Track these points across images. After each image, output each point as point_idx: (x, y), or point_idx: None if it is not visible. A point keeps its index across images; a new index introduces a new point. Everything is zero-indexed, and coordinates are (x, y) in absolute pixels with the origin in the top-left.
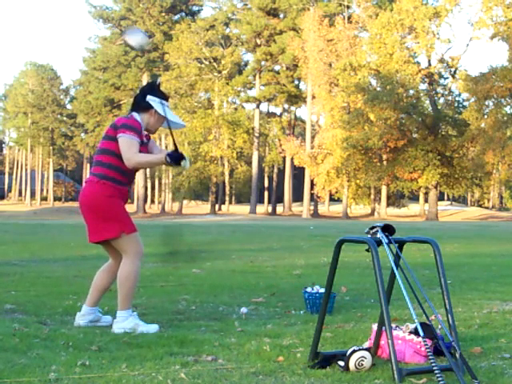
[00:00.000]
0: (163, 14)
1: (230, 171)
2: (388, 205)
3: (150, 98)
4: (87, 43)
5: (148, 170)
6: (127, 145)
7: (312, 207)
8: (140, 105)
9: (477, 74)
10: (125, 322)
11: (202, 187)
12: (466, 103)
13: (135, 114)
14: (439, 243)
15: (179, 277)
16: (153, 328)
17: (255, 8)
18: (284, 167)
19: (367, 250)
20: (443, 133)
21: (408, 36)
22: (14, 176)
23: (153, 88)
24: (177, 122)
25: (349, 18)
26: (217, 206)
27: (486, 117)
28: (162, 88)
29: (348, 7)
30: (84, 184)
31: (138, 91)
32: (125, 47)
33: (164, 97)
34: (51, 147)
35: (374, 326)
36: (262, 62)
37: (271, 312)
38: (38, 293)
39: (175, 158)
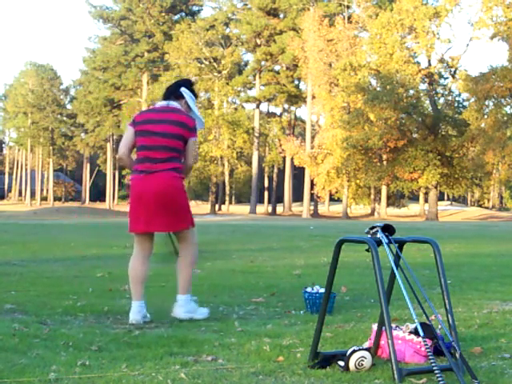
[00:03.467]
0: (163, 14)
1: (229, 171)
2: (388, 205)
3: (183, 90)
4: (87, 43)
5: None
6: (192, 148)
7: (312, 207)
8: (173, 93)
9: (477, 74)
10: (188, 305)
11: (201, 187)
12: (466, 103)
13: (178, 105)
14: (439, 243)
15: None
16: (205, 312)
17: (255, 8)
18: (284, 167)
19: (367, 250)
20: (443, 133)
21: (408, 36)
22: (13, 176)
23: (188, 83)
24: (200, 119)
25: (349, 18)
26: (217, 206)
27: (486, 117)
28: (163, 87)
29: (348, 7)
30: (155, 175)
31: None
32: (125, 47)
33: (195, 94)
34: (51, 147)
35: (374, 326)
36: (262, 62)
37: (271, 312)
38: (38, 293)
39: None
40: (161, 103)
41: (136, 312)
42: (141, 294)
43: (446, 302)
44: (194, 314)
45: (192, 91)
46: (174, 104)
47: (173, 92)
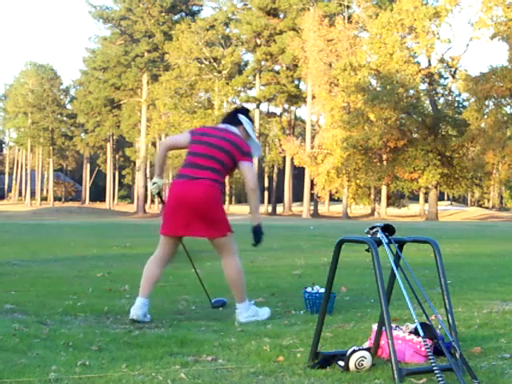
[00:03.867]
0: (163, 14)
1: None
2: (388, 205)
3: (241, 116)
4: (87, 43)
5: (148, 169)
6: (253, 173)
7: (312, 207)
8: (232, 120)
9: (477, 73)
10: (248, 311)
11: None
12: (466, 103)
13: (236, 131)
14: (439, 243)
15: (179, 277)
16: (266, 311)
17: (255, 8)
18: (284, 167)
19: (367, 250)
20: (443, 133)
21: (408, 36)
22: (13, 176)
23: (245, 110)
24: (257, 145)
25: (349, 18)
26: None
27: (486, 117)
28: (163, 87)
29: (348, 7)
30: (195, 182)
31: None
32: (125, 47)
33: (251, 120)
34: (51, 147)
35: (374, 326)
36: (262, 62)
37: (271, 312)
38: (38, 293)
39: (258, 232)
40: (221, 125)
41: (138, 307)
42: (148, 292)
43: (446, 302)
44: (257, 317)
45: (248, 118)
46: (233, 128)
47: (231, 119)
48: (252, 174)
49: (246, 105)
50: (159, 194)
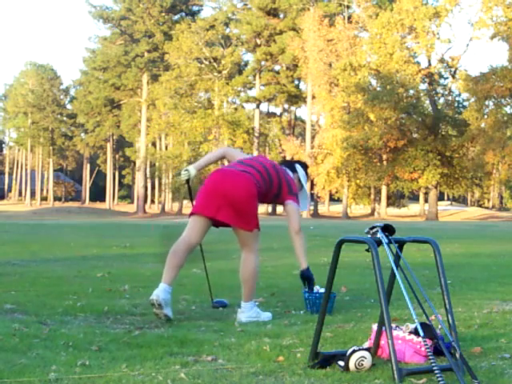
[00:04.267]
0: (163, 14)
1: None
2: (388, 205)
3: (298, 167)
4: (87, 43)
5: (148, 169)
6: (299, 216)
7: (312, 207)
8: (290, 165)
9: (477, 73)
10: (250, 311)
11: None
12: (466, 103)
13: (291, 174)
14: (439, 243)
15: (179, 277)
16: (268, 316)
17: (255, 8)
18: None
19: (367, 250)
20: (443, 133)
21: (408, 36)
22: (13, 176)
23: (305, 166)
24: (306, 198)
25: (349, 18)
26: None
27: (486, 117)
28: (163, 87)
29: (348, 7)
30: (236, 173)
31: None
32: (125, 47)
33: (307, 177)
34: (51, 147)
35: (374, 326)
36: (262, 62)
37: (271, 312)
38: (38, 293)
39: (308, 276)
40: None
41: (161, 290)
42: (171, 279)
43: (446, 301)
44: (258, 319)
45: (305, 172)
46: (289, 171)
47: (289, 165)
48: (297, 216)
49: (246, 105)
50: (188, 182)
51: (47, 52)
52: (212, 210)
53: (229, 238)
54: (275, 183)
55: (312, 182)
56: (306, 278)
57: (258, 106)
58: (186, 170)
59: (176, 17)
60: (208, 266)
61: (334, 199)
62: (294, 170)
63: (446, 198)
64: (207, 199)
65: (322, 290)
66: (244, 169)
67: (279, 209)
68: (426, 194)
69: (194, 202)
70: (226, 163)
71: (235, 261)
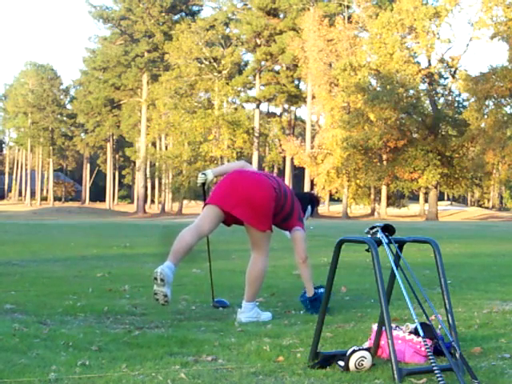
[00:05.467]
0: (163, 14)
1: None
2: (388, 205)
3: (308, 207)
4: (87, 43)
5: (148, 169)
6: (304, 241)
7: None
8: (301, 200)
9: (477, 73)
10: (251, 312)
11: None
12: (466, 103)
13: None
14: (439, 243)
15: (179, 277)
16: (268, 316)
17: (255, 8)
18: (284, 167)
19: (367, 250)
20: (443, 133)
21: (408, 36)
22: (13, 176)
23: (317, 201)
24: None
25: (349, 18)
26: None
27: (486, 117)
28: (163, 87)
29: (348, 7)
30: (257, 175)
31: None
32: (125, 47)
33: (313, 210)
34: (51, 147)
35: (374, 326)
36: (262, 62)
37: (271, 312)
38: (38, 293)
39: (314, 304)
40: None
41: (166, 266)
42: (178, 260)
43: (446, 302)
44: (258, 319)
45: (312, 208)
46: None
47: (301, 199)
48: (305, 244)
49: (246, 105)
50: (203, 186)
51: (47, 52)
52: (229, 205)
53: (229, 238)
54: (289, 203)
55: (312, 182)
56: (314, 303)
57: (258, 106)
58: (204, 174)
59: (176, 17)
60: (208, 266)
61: (333, 199)
62: (304, 204)
63: (446, 197)
64: (225, 193)
65: (322, 290)
66: (265, 174)
67: None
68: (426, 193)
69: (211, 194)
70: None
71: (235, 261)
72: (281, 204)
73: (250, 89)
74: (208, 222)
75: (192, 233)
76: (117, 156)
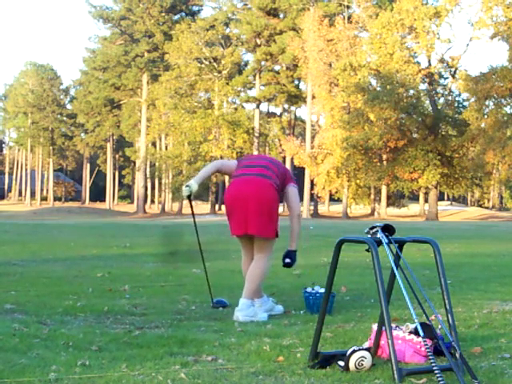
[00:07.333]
0: (163, 14)
1: None
2: (388, 205)
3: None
4: (87, 43)
5: (148, 169)
6: (298, 197)
7: (312, 207)
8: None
9: (477, 73)
10: (248, 309)
11: (201, 187)
12: (466, 103)
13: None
14: (439, 243)
15: (179, 277)
16: (265, 316)
17: (255, 8)
18: None
19: (367, 250)
20: (443, 133)
21: (408, 36)
22: (13, 176)
23: None
24: None
25: (349, 17)
26: (217, 206)
27: (486, 117)
28: (163, 87)
29: (348, 7)
30: (253, 178)
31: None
32: (125, 47)
33: None
34: (51, 147)
35: (374, 326)
36: (262, 62)
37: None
38: (38, 293)
39: (288, 264)
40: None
41: (241, 309)
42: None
43: (446, 302)
44: (254, 318)
45: None
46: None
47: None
48: (298, 199)
49: (246, 105)
50: (189, 198)
51: (47, 52)
52: (242, 228)
53: (229, 238)
54: (282, 172)
55: (312, 182)
56: (292, 258)
57: (258, 106)
58: (188, 186)
59: (176, 17)
60: (208, 266)
61: (333, 199)
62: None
63: (446, 197)
64: (234, 218)
65: (322, 290)
66: (260, 172)
67: (279, 209)
68: (426, 193)
69: (228, 222)
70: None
71: (235, 261)
72: (281, 186)
73: (250, 89)
74: (248, 246)
75: (247, 265)
76: (117, 156)
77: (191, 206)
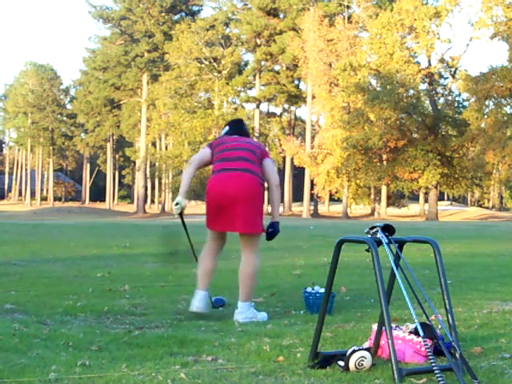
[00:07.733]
0: (163, 14)
1: None
2: (388, 205)
3: (245, 128)
4: (87, 43)
5: (148, 169)
6: (275, 168)
7: (312, 207)
8: (241, 131)
9: (477, 73)
10: (247, 312)
11: (201, 187)
12: (466, 103)
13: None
14: (439, 243)
15: (179, 277)
16: (264, 316)
17: (255, 8)
18: (284, 167)
19: (367, 250)
20: (443, 133)
21: (408, 36)
22: (13, 176)
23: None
24: None
25: (349, 18)
26: None
27: (486, 117)
28: (163, 87)
29: (348, 7)
30: (232, 176)
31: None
32: (125, 47)
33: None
34: (51, 147)
35: (374, 326)
36: (262, 62)
37: (271, 312)
38: (38, 293)
39: (272, 233)
40: (233, 136)
41: (198, 299)
42: (206, 285)
43: (446, 302)
44: (255, 319)
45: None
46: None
47: (239, 130)
48: (275, 170)
49: (246, 105)
50: (181, 215)
51: (47, 52)
52: (226, 226)
53: (228, 238)
54: (259, 153)
55: (312, 182)
56: (275, 229)
57: (257, 106)
58: (178, 204)
59: (176, 17)
60: None
61: (333, 199)
62: (247, 134)
63: (446, 197)
64: (217, 215)
65: (322, 290)
66: (243, 167)
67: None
68: (426, 193)
69: (206, 216)
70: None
71: (235, 261)
72: (260, 165)
73: (250, 89)
74: (217, 241)
75: (210, 255)
76: (117, 156)
77: (183, 222)
